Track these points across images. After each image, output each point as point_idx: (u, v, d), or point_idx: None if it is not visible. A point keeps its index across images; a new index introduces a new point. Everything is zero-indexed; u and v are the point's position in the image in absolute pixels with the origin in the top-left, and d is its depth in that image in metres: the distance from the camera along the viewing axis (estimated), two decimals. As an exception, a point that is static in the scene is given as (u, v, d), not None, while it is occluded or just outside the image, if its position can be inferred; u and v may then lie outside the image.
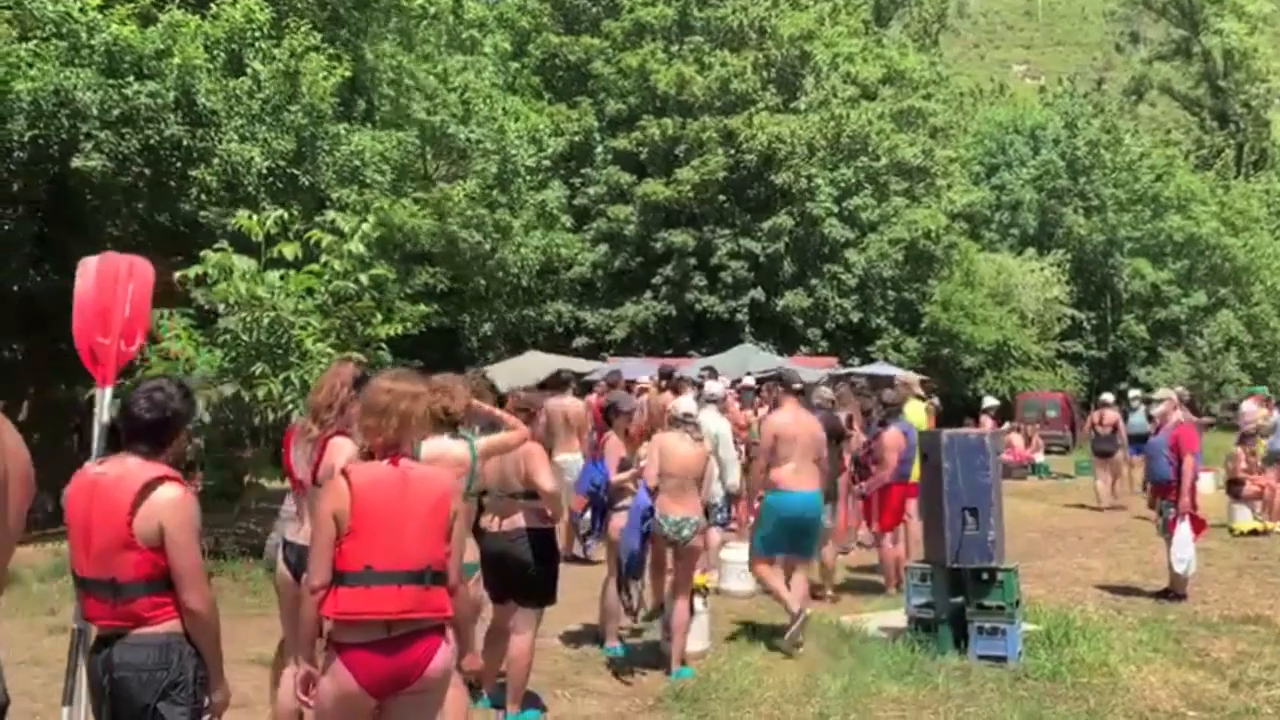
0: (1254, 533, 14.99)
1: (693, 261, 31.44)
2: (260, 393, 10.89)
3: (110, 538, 3.94)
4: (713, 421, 10.80)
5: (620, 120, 32.82)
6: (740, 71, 32.08)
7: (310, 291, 11.80)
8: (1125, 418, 19.37)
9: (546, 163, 28.40)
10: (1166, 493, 10.84)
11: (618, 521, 8.49)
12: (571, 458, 11.81)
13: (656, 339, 31.46)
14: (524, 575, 6.80)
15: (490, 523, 6.86)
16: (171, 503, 3.98)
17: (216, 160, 13.94)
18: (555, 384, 13.53)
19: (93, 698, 4.14)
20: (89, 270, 5.73)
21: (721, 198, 31.93)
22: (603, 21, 34.10)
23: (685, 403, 8.97)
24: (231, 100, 14.32)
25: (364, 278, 12.19)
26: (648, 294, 31.78)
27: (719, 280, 31.44)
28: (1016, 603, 8.55)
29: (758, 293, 31.43)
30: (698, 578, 8.61)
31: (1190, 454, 10.57)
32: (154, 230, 14.89)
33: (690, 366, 17.90)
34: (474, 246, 22.64)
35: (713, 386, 12.23)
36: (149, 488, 3.97)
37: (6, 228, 14.21)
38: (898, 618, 9.34)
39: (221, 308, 11.46)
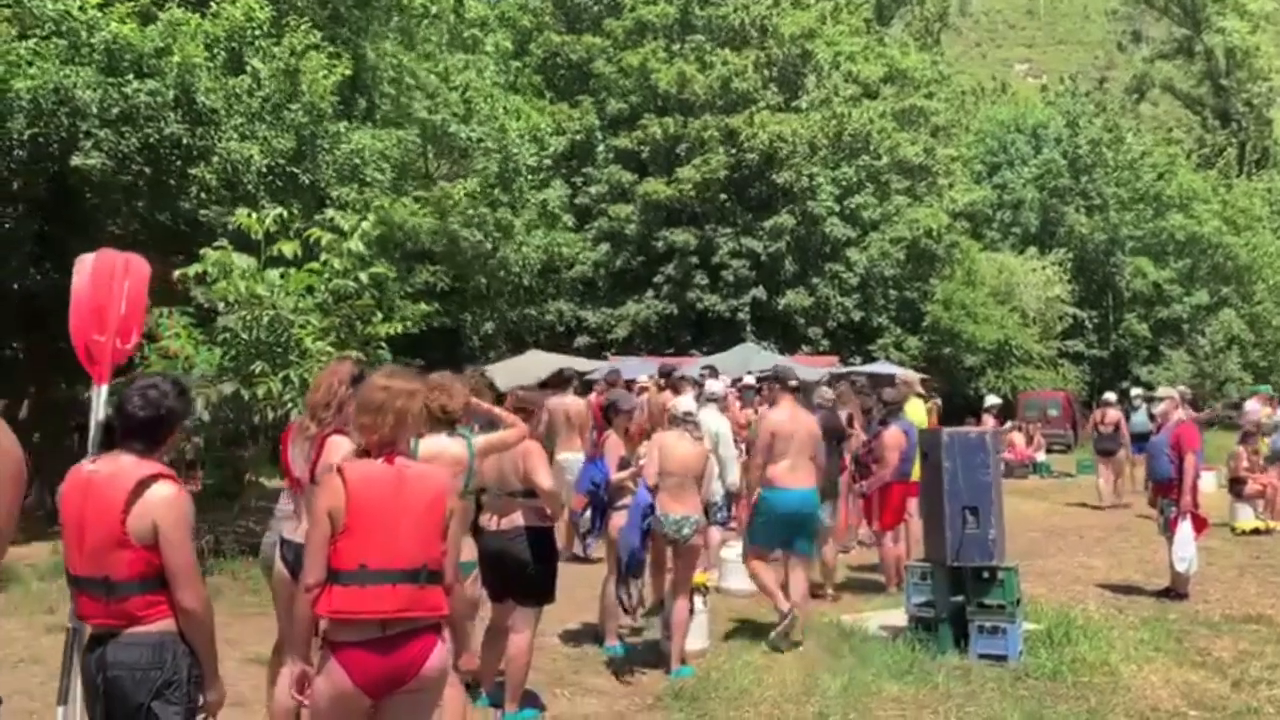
0: (1256, 531, 14.97)
1: (694, 260, 31.43)
2: (260, 391, 10.87)
3: (104, 536, 3.92)
4: (713, 420, 10.79)
5: (622, 119, 32.82)
6: (741, 70, 32.07)
7: (310, 290, 11.77)
8: (1127, 417, 19.35)
9: (548, 162, 28.40)
10: (1168, 491, 10.82)
11: (618, 520, 8.47)
12: (573, 456, 11.78)
13: (658, 338, 31.45)
14: (522, 574, 6.78)
15: (489, 521, 6.84)
16: (165, 501, 3.96)
17: (216, 159, 13.91)
18: (557, 382, 13.50)
19: (86, 697, 4.12)
20: (85, 267, 5.70)
21: (723, 197, 31.92)
22: (604, 20, 34.12)
23: (685, 401, 8.96)
24: (231, 99, 14.29)
25: (364, 276, 12.16)
26: (649, 293, 31.77)
27: (720, 279, 31.42)
28: (1017, 601, 8.53)
29: (759, 291, 31.43)
30: (698, 576, 8.60)
31: (1191, 452, 10.54)
32: (154, 229, 14.86)
33: (691, 365, 17.88)
34: (475, 245, 22.62)
35: (713, 385, 12.22)
36: (143, 486, 3.94)
37: (7, 226, 14.18)
38: (898, 616, 9.32)
39: (221, 306, 11.43)
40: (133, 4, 14.26)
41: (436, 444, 5.71)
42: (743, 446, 12.84)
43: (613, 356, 26.24)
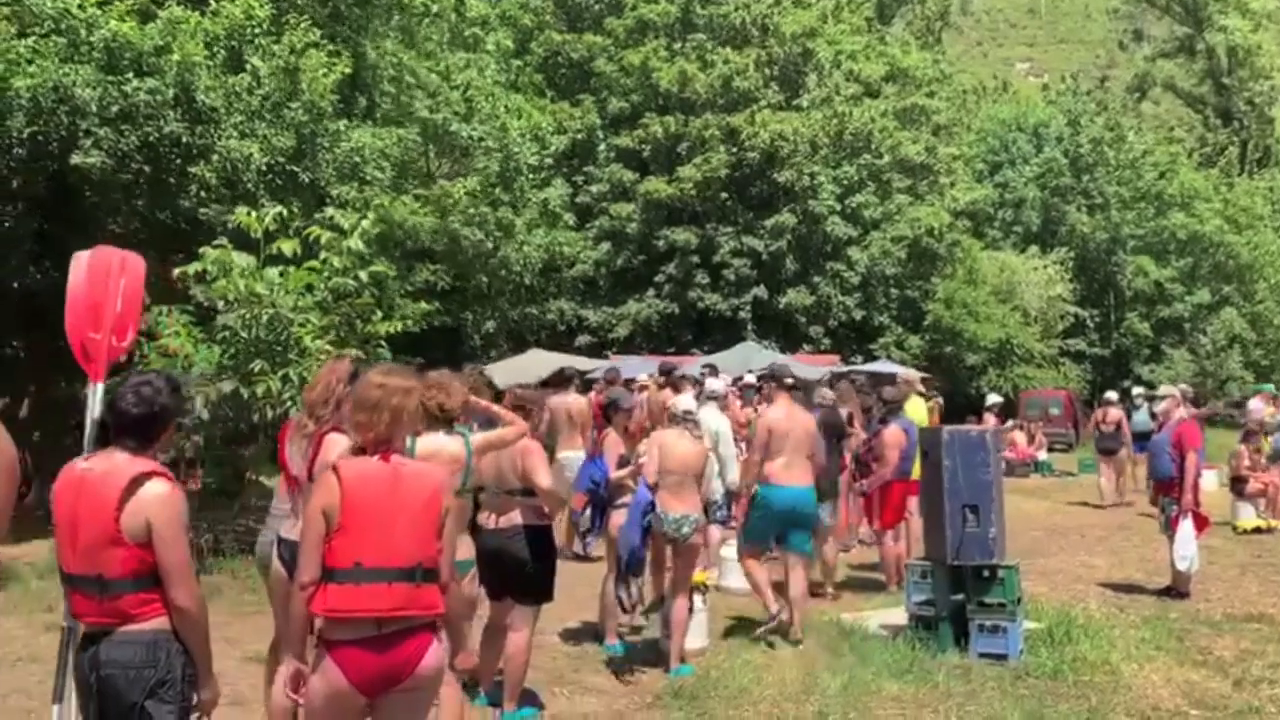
0: (1257, 530, 14.96)
1: (695, 259, 31.39)
2: (259, 390, 10.84)
3: (97, 534, 3.90)
4: (713, 419, 10.77)
5: (623, 118, 32.78)
6: (743, 69, 32.03)
7: (310, 288, 11.75)
8: (1129, 415, 19.32)
9: (549, 160, 28.38)
10: (1169, 490, 10.80)
11: (617, 519, 8.45)
12: (574, 455, 11.77)
13: (659, 337, 31.42)
14: (521, 572, 6.76)
15: (487, 520, 6.82)
16: (159, 498, 3.94)
17: (216, 157, 13.90)
18: (558, 381, 13.50)
19: (80, 696, 4.09)
20: (81, 265, 5.68)
21: (724, 195, 31.89)
22: (605, 19, 34.08)
23: (685, 400, 8.94)
24: (231, 97, 14.28)
25: (363, 274, 12.14)
26: (650, 292, 31.74)
27: (721, 278, 31.39)
28: (1017, 600, 8.51)
29: (760, 290, 31.40)
30: (697, 575, 8.58)
31: (1193, 451, 10.52)
32: (154, 227, 14.86)
33: (692, 364, 17.86)
34: (476, 244, 22.61)
35: (713, 384, 12.21)
36: (136, 483, 3.92)
37: (6, 224, 14.17)
38: (898, 615, 9.30)
39: (220, 304, 11.40)
40: (132, 2, 14.26)
41: (434, 442, 5.69)
42: (743, 445, 12.82)
43: (614, 355, 26.19)
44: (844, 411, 12.27)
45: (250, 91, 14.54)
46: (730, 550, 10.97)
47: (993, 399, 20.96)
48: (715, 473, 10.02)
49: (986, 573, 8.48)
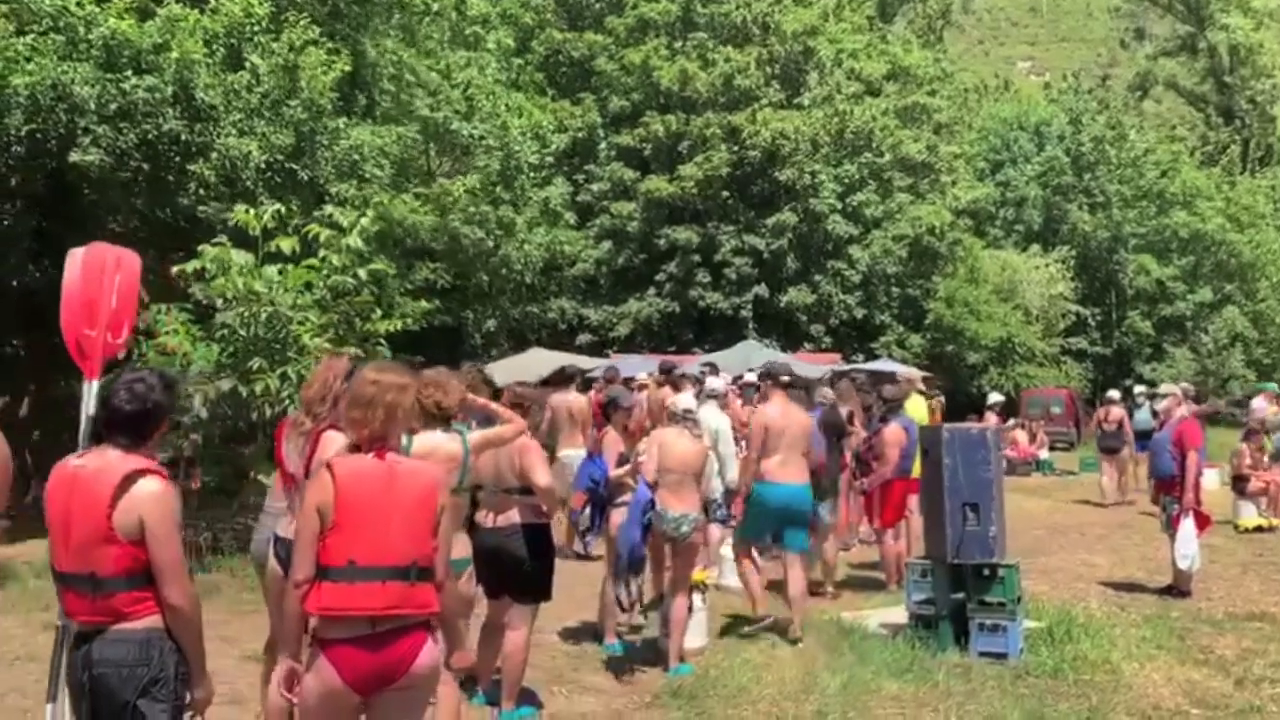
0: (1259, 529, 14.92)
1: (696, 258, 31.33)
2: (258, 388, 10.82)
3: (89, 531, 3.87)
4: (713, 417, 10.74)
5: (624, 116, 32.73)
6: (744, 67, 31.97)
7: (309, 286, 11.73)
8: (1131, 414, 19.29)
9: (550, 159, 28.30)
10: (1170, 489, 10.78)
11: (617, 518, 8.43)
12: (575, 453, 11.75)
13: (660, 336, 31.38)
14: (519, 571, 6.74)
15: (485, 518, 6.81)
16: (152, 496, 3.91)
17: (215, 155, 13.88)
18: (560, 380, 13.49)
19: (72, 694, 4.07)
20: (76, 262, 5.66)
21: (725, 194, 31.82)
22: (606, 18, 34.01)
23: (684, 399, 8.93)
24: (230, 95, 14.26)
25: (362, 272, 12.13)
26: (651, 290, 31.69)
27: (723, 277, 31.34)
28: (1018, 599, 8.49)
29: (761, 289, 31.36)
30: (696, 574, 8.56)
31: (1194, 449, 10.50)
32: (154, 225, 14.84)
33: (693, 363, 17.83)
34: (477, 243, 22.57)
35: (714, 382, 12.17)
36: (129, 480, 3.89)
37: (5, 223, 14.17)
38: (898, 614, 9.28)
39: (219, 302, 11.40)
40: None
41: (431, 440, 5.67)
42: (743, 443, 12.80)
43: (615, 354, 26.13)
44: (844, 410, 12.25)
45: (249, 89, 14.52)
46: (729, 549, 10.95)
47: (994, 398, 20.94)
48: (715, 471, 10.00)
49: (987, 571, 8.46)
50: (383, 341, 12.55)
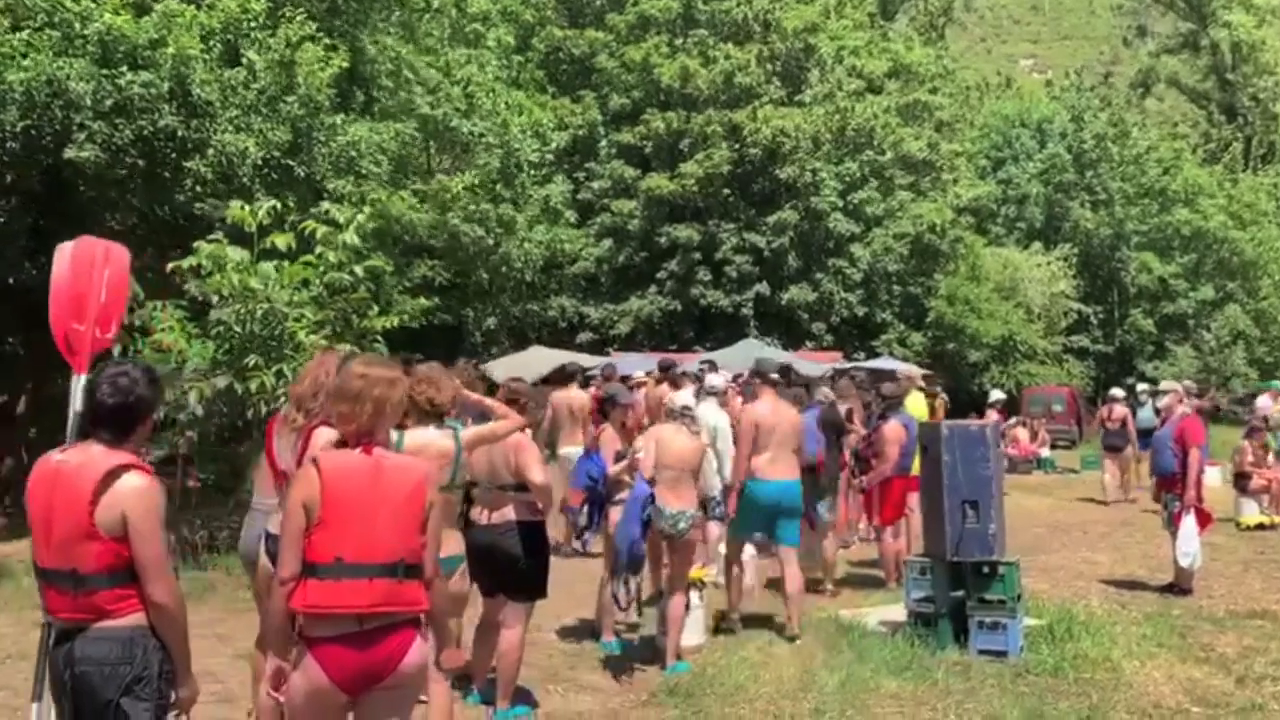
0: (1260, 527, 14.87)
1: (697, 256, 31.28)
2: (253, 385, 10.78)
3: (71, 527, 3.81)
4: (712, 414, 10.68)
5: (624, 114, 32.68)
6: (744, 65, 31.93)
7: (305, 283, 11.69)
8: (1133, 412, 19.23)
9: (550, 157, 28.28)
10: (1172, 486, 10.73)
11: (616, 515, 8.38)
12: (576, 451, 11.68)
13: (661, 334, 31.34)
14: (514, 569, 6.70)
15: (479, 515, 6.76)
16: (135, 491, 3.84)
17: (211, 151, 13.85)
18: (561, 378, 13.46)
19: (54, 693, 4.01)
20: (64, 256, 5.61)
21: (726, 192, 31.76)
22: (607, 15, 33.98)
23: (683, 395, 8.89)
24: (226, 91, 14.24)
25: (359, 269, 12.10)
26: (652, 289, 31.64)
27: (723, 275, 31.29)
28: (1018, 597, 8.43)
29: (762, 287, 31.29)
30: (694, 572, 8.51)
31: (1196, 447, 10.45)
32: (151, 222, 14.81)
33: (693, 362, 17.78)
34: (477, 241, 22.53)
35: (713, 379, 12.11)
36: (112, 475, 3.83)
37: (1, 220, 14.12)
38: (897, 612, 9.22)
39: (215, 299, 11.36)
40: (127, -5, 14.22)
41: (423, 436, 5.61)
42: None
43: (615, 352, 26.10)
44: (844, 408, 12.21)
45: (246, 85, 14.50)
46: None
47: (996, 395, 20.89)
48: (714, 469, 9.95)
49: (986, 569, 8.41)
50: (379, 338, 12.51)
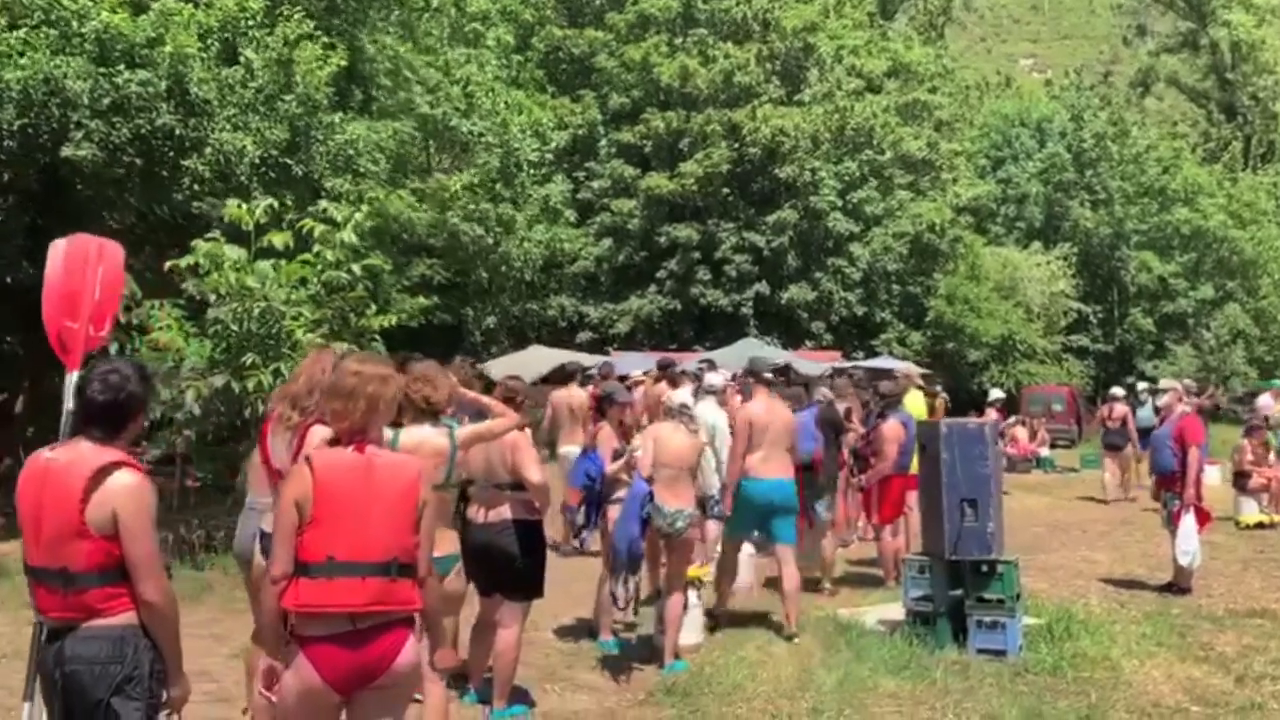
0: (1260, 526, 14.83)
1: (696, 255, 31.32)
2: (250, 384, 10.75)
3: (61, 525, 3.78)
4: (711, 413, 10.66)
5: (624, 114, 32.72)
6: (744, 64, 31.96)
7: (303, 282, 11.67)
8: (1134, 411, 19.20)
9: (550, 156, 28.30)
10: (1171, 484, 10.69)
11: (614, 514, 8.35)
12: (576, 449, 11.66)
13: (660, 333, 31.36)
14: (510, 568, 6.67)
15: (476, 514, 6.73)
16: (126, 489, 3.81)
17: (209, 150, 13.82)
18: (561, 377, 13.44)
19: (45, 693, 3.98)
20: (58, 253, 5.59)
21: (725, 191, 31.79)
22: (606, 14, 34.05)
23: (680, 393, 8.87)
24: (224, 89, 14.21)
25: (357, 268, 12.07)
26: (652, 288, 31.68)
27: (723, 274, 31.32)
28: (1017, 596, 8.40)
29: (762, 286, 31.33)
30: (692, 570, 8.48)
31: (1195, 445, 10.41)
32: (150, 221, 14.79)
33: (692, 361, 17.77)
34: (476, 240, 22.52)
35: (712, 378, 12.09)
36: (103, 473, 3.80)
37: (-2, 218, 14.12)
38: (896, 611, 9.18)
39: (212, 298, 11.33)
40: (125, -7, 14.20)
41: (419, 434, 5.58)
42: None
43: (615, 352, 26.12)
44: (842, 407, 12.18)
45: (244, 84, 14.48)
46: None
47: (995, 395, 20.88)
48: (713, 467, 9.92)
49: (985, 568, 8.37)
50: (377, 337, 12.48)
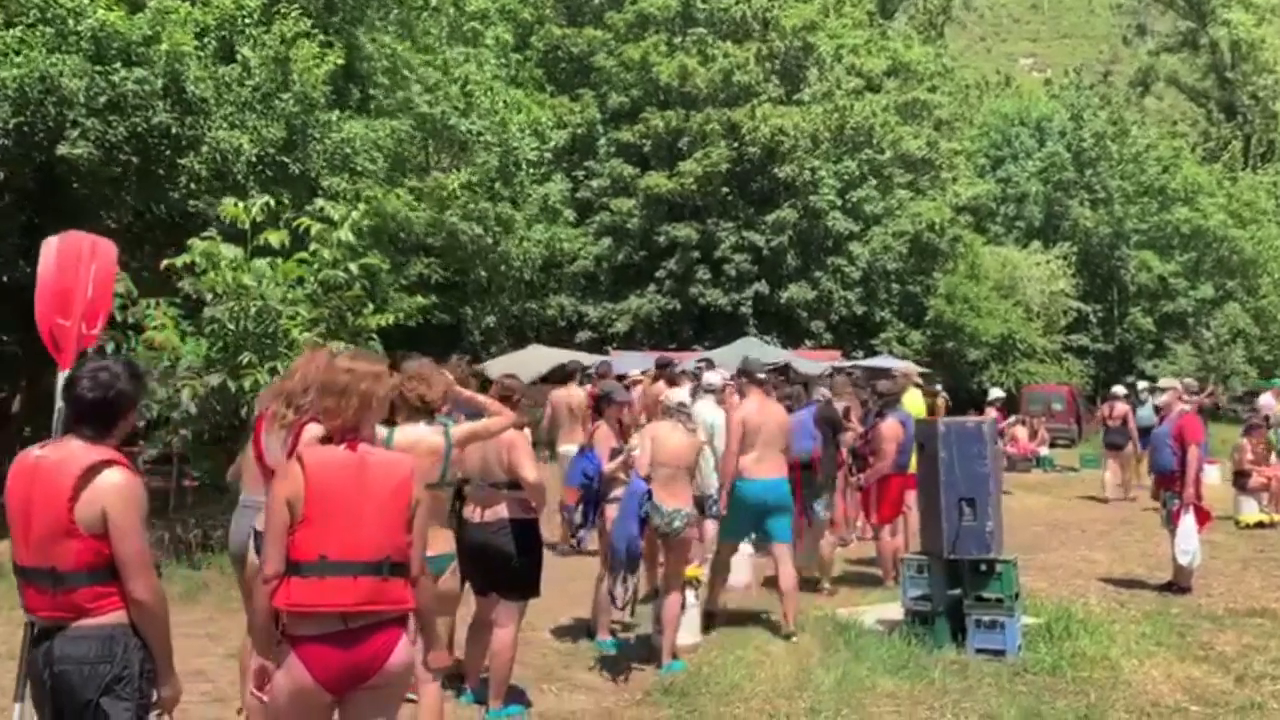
0: (1260, 525, 14.81)
1: (696, 255, 31.28)
2: (247, 383, 10.71)
3: (50, 524, 3.74)
4: (709, 412, 10.63)
5: (623, 113, 32.69)
6: (743, 63, 31.92)
7: (300, 280, 11.63)
8: (1134, 410, 19.18)
9: (549, 155, 28.25)
10: (1170, 484, 10.67)
11: (612, 513, 8.32)
12: (575, 448, 11.63)
13: (660, 332, 31.32)
14: (506, 567, 6.65)
15: (472, 513, 6.71)
16: (115, 487, 3.77)
17: (205, 148, 13.78)
18: (560, 376, 13.41)
19: (34, 693, 3.94)
20: (50, 250, 5.56)
21: (725, 190, 31.76)
22: (605, 13, 34.00)
23: (678, 392, 8.84)
24: (221, 87, 14.17)
25: (354, 267, 12.03)
26: (651, 287, 31.64)
27: (722, 273, 31.28)
28: (1015, 595, 8.37)
29: (761, 286, 31.29)
30: (690, 570, 8.45)
31: (1194, 444, 10.38)
32: (147, 220, 14.75)
33: (691, 360, 17.73)
34: (475, 239, 22.48)
35: (711, 377, 12.06)
36: (92, 471, 3.76)
37: (-5, 217, 14.09)
38: (895, 610, 9.15)
39: (209, 297, 11.29)
40: (121, -9, 14.16)
41: (414, 433, 5.56)
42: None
43: (614, 351, 26.09)
44: (841, 405, 12.15)
45: (240, 82, 14.44)
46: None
47: (995, 394, 20.86)
48: (711, 467, 9.89)
49: (984, 567, 8.34)
50: (374, 336, 12.44)
